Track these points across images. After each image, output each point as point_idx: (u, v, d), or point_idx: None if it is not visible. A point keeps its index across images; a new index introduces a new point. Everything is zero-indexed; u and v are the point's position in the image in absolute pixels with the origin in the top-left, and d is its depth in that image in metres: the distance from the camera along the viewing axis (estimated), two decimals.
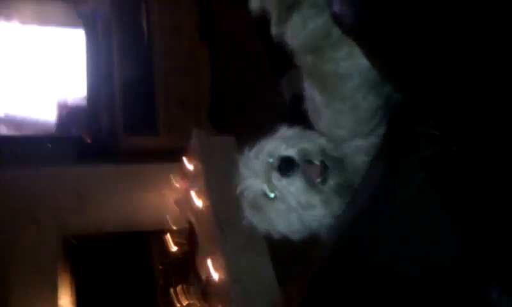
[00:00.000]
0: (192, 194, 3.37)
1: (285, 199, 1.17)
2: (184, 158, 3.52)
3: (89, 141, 3.97)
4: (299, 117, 1.32)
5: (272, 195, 1.17)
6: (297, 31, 1.17)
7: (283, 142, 1.21)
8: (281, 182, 1.16)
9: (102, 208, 3.57)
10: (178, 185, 3.64)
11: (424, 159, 0.92)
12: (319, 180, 1.16)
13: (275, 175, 1.17)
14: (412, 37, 0.89)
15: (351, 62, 1.14)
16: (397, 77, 1.02)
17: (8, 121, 4.06)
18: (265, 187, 1.18)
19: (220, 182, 2.95)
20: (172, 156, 3.64)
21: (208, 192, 3.16)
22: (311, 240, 1.25)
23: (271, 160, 1.19)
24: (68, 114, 4.13)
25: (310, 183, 1.16)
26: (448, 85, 0.87)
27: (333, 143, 1.23)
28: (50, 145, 4.10)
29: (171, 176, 3.65)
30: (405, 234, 0.92)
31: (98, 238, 3.52)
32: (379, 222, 0.98)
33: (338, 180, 1.18)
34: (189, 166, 3.49)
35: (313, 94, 1.25)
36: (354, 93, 1.16)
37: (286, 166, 1.16)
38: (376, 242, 0.98)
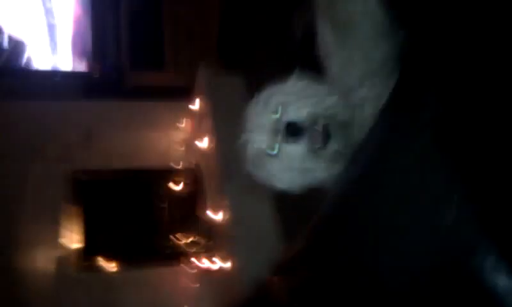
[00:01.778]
0: (198, 133, 3.32)
1: (287, 161, 1.19)
2: (191, 97, 3.44)
3: (96, 76, 3.89)
4: (309, 59, 1.29)
5: (274, 153, 1.19)
6: None
7: (291, 98, 1.20)
8: (284, 144, 1.18)
9: (108, 144, 3.56)
10: (184, 124, 3.59)
11: (428, 119, 0.88)
12: (319, 146, 1.17)
13: (279, 136, 1.18)
14: None
15: (364, 7, 1.13)
16: (410, 23, 0.99)
17: (15, 53, 4.00)
18: (268, 145, 1.19)
19: (226, 122, 2.88)
20: (179, 93, 3.57)
21: (214, 132, 3.11)
22: (313, 193, 1.26)
23: (277, 116, 1.19)
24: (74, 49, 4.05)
25: (313, 149, 1.17)
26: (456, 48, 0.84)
27: (342, 96, 1.22)
28: (58, 79, 4.06)
29: (177, 114, 3.59)
30: (406, 194, 0.90)
31: (104, 174, 3.53)
32: (380, 181, 0.96)
33: (342, 145, 1.19)
34: (196, 105, 3.42)
35: (324, 38, 1.24)
36: (365, 40, 1.15)
37: (292, 130, 1.16)
38: (376, 201, 0.96)
